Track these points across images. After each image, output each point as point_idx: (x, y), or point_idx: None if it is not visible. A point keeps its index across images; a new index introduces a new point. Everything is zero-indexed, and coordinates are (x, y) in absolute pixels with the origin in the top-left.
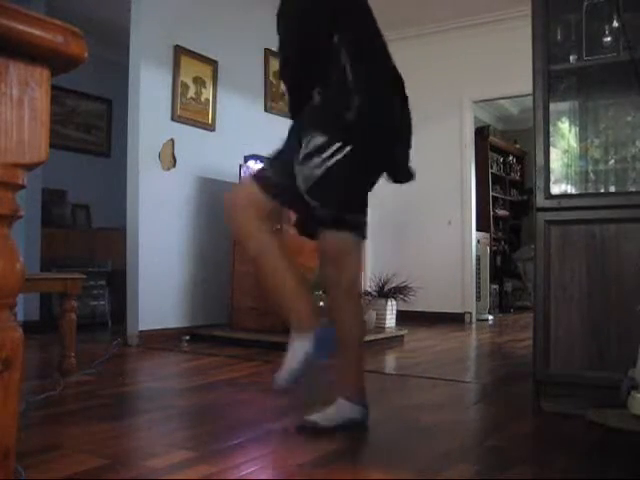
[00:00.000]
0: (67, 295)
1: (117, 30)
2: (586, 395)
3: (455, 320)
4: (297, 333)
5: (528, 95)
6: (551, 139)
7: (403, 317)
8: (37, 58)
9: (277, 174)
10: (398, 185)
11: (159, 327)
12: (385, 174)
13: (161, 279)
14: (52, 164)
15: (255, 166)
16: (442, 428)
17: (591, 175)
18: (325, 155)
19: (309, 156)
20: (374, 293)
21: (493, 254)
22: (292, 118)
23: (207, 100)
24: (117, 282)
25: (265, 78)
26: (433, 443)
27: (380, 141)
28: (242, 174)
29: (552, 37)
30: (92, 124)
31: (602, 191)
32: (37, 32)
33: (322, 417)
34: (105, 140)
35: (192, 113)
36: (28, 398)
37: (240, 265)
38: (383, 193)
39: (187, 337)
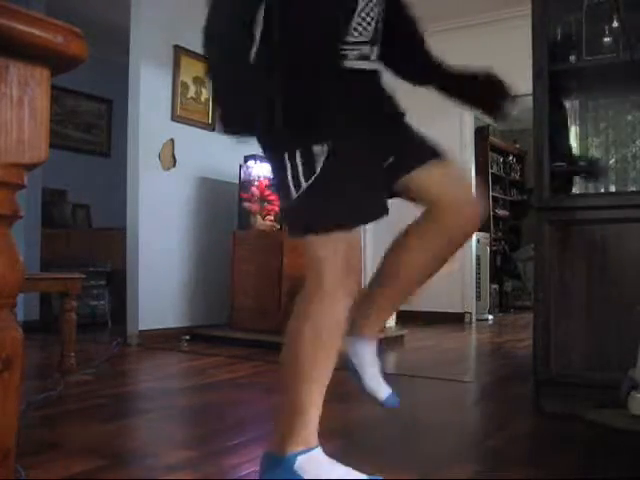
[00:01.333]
0: (67, 295)
1: (117, 30)
2: (586, 395)
3: (455, 320)
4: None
5: (528, 95)
6: None
7: (403, 317)
8: (37, 58)
9: None
10: None
11: (159, 327)
12: None
13: (161, 279)
14: (52, 164)
15: (255, 165)
16: (442, 428)
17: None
18: None
19: None
20: None
21: (493, 254)
22: None
23: (207, 100)
24: (117, 282)
25: None
26: (433, 443)
27: None
28: (242, 174)
29: (552, 37)
30: (92, 124)
31: (602, 191)
32: (37, 32)
33: None
34: (105, 140)
35: (192, 113)
36: (28, 398)
37: (240, 265)
38: None
39: (187, 337)
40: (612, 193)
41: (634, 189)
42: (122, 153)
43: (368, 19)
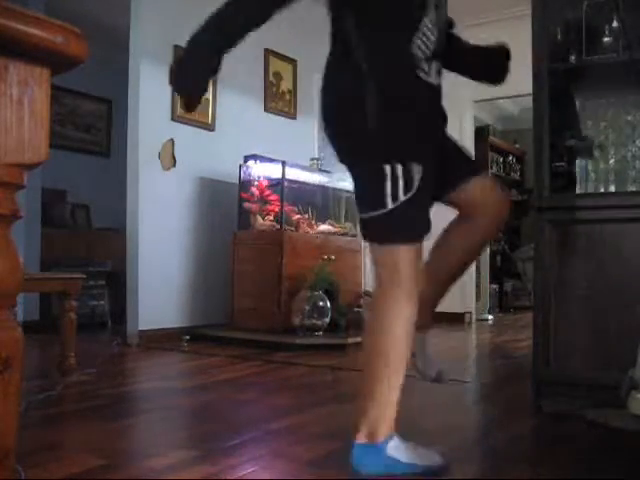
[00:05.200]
0: (67, 295)
1: (117, 30)
2: (586, 395)
3: (455, 320)
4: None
5: (528, 95)
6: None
7: None
8: (37, 58)
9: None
10: None
11: (159, 327)
12: None
13: (161, 279)
14: (52, 164)
15: (255, 165)
16: (442, 428)
17: (591, 175)
18: None
19: None
20: None
21: (493, 254)
22: None
23: (207, 100)
24: (117, 282)
25: (265, 78)
26: (433, 443)
27: None
28: (242, 174)
29: (552, 37)
30: (92, 124)
31: (602, 191)
32: (37, 32)
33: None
34: (105, 140)
35: (192, 113)
36: (28, 398)
37: (240, 265)
38: None
39: (187, 337)
40: (612, 193)
41: (634, 189)
42: (122, 153)
43: (429, 35)
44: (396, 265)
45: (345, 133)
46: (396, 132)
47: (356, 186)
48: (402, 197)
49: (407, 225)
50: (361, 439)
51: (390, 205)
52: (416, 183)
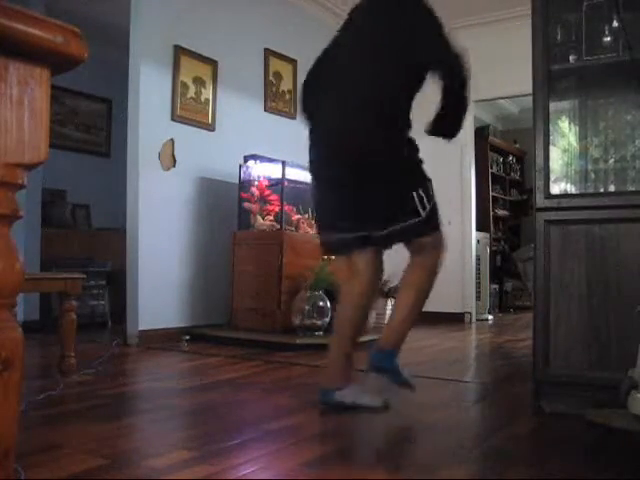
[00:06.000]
0: (67, 295)
1: (117, 30)
2: (586, 395)
3: (455, 320)
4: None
5: (528, 95)
6: (551, 138)
7: None
8: (37, 58)
9: None
10: None
11: (159, 327)
12: None
13: (161, 279)
14: (52, 164)
15: (255, 166)
16: (442, 428)
17: (591, 174)
18: None
19: None
20: None
21: (493, 254)
22: None
23: (207, 100)
24: (117, 282)
25: (265, 78)
26: (433, 443)
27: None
28: (242, 174)
29: (552, 37)
30: (92, 124)
31: (602, 191)
32: (37, 32)
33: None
34: (105, 140)
35: (192, 113)
36: (28, 398)
37: (240, 265)
38: None
39: (187, 337)
40: (611, 193)
41: (633, 189)
42: (122, 153)
43: None
44: (438, 244)
45: (388, 161)
46: (420, 164)
47: (391, 201)
48: (428, 206)
49: (436, 219)
50: (323, 385)
51: (423, 214)
52: (433, 195)
